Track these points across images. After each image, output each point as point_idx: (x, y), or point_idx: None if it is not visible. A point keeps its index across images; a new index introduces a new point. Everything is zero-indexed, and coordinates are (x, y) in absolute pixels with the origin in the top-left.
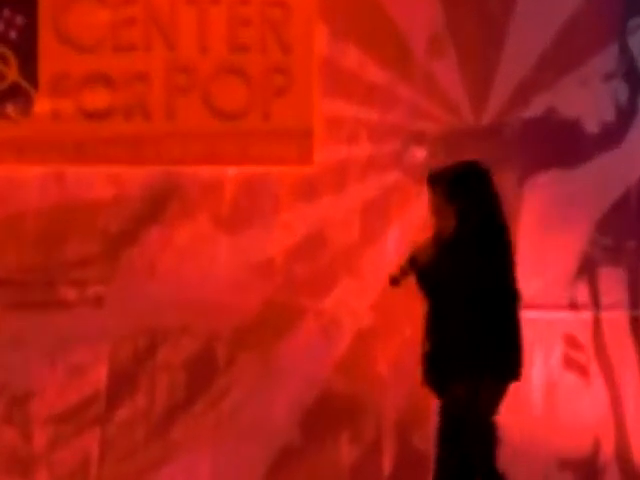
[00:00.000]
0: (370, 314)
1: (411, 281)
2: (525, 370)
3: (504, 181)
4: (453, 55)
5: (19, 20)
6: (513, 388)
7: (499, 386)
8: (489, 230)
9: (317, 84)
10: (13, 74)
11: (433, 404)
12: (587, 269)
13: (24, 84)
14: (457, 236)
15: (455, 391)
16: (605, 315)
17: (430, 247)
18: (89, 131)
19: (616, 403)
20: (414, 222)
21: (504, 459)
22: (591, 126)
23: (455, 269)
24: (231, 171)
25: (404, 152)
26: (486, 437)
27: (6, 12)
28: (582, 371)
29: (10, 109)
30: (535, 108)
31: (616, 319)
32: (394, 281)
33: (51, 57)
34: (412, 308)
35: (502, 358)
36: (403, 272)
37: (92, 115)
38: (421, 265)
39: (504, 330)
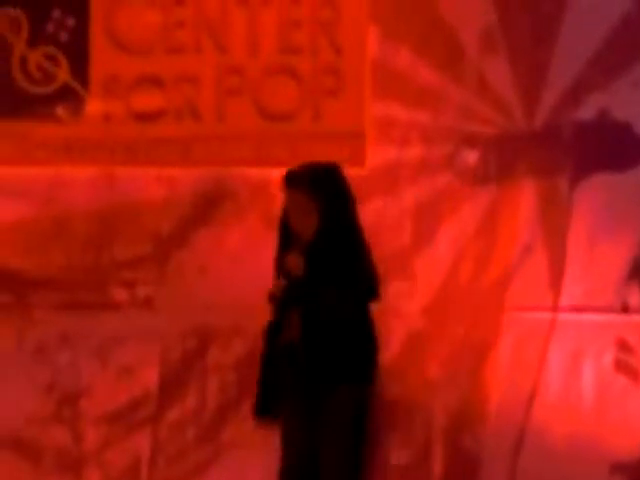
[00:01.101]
0: (421, 317)
1: (466, 282)
2: (576, 372)
3: (556, 184)
4: (505, 55)
5: (70, 21)
6: (565, 391)
7: (358, 388)
8: (348, 228)
9: (368, 85)
10: (64, 75)
11: (484, 406)
12: (638, 272)
13: (75, 85)
14: (318, 237)
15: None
16: None
17: (297, 256)
18: (140, 133)
19: None
20: (466, 225)
21: (557, 463)
22: None
23: (317, 271)
24: (281, 172)
25: (456, 155)
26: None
27: (57, 13)
28: (633, 374)
29: (61, 110)
30: (587, 110)
31: None
32: (273, 299)
33: (102, 59)
34: (462, 311)
35: (359, 362)
36: (278, 288)
37: (143, 117)
38: (293, 276)
39: (360, 332)
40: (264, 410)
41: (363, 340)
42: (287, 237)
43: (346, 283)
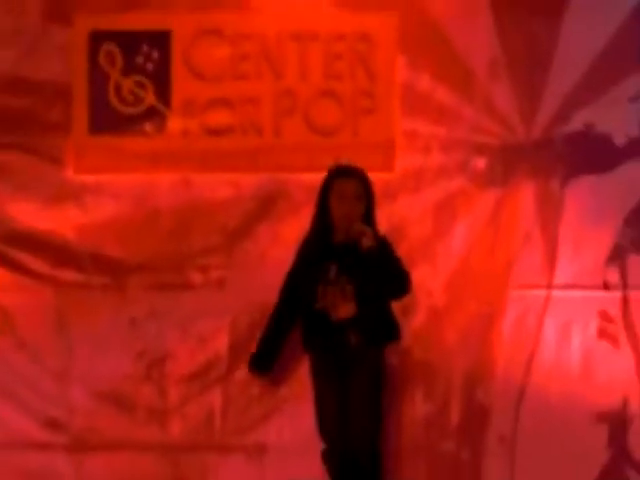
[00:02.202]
0: (442, 294)
1: (478, 266)
2: (567, 339)
3: (550, 185)
4: (507, 80)
5: (155, 54)
6: (556, 355)
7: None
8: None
9: (397, 105)
10: (150, 99)
11: (492, 367)
12: (617, 256)
13: (159, 107)
14: (368, 216)
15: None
16: (632, 294)
17: (366, 226)
18: (212, 145)
19: None
20: (476, 219)
21: (551, 413)
22: (619, 139)
23: (380, 255)
24: None
25: (468, 161)
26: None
27: (145, 47)
28: (613, 340)
29: (147, 127)
30: (575, 124)
31: None
32: (369, 246)
33: (181, 85)
34: (475, 289)
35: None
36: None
37: (215, 132)
38: (365, 246)
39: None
40: (262, 366)
41: (389, 315)
42: (325, 231)
43: (393, 275)
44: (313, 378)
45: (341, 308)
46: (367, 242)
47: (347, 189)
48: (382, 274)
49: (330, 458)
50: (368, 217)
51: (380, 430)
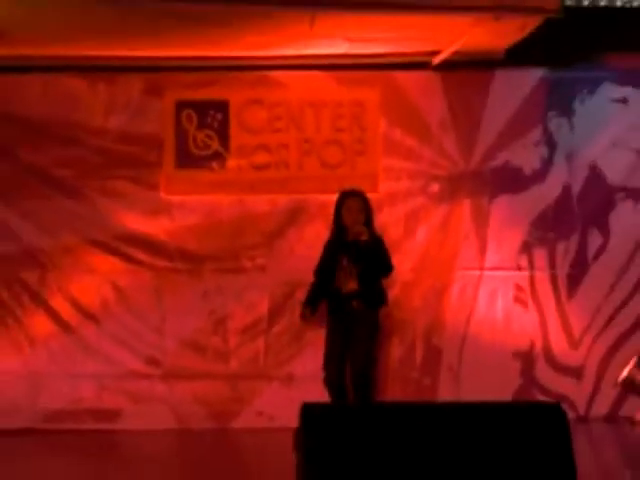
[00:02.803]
0: (410, 274)
1: (434, 255)
2: (493, 303)
3: (481, 202)
4: (453, 132)
5: (219, 116)
6: (486, 312)
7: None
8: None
9: (380, 150)
10: (215, 146)
11: (444, 321)
12: (526, 248)
13: (221, 151)
14: (368, 222)
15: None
16: (537, 274)
17: (363, 226)
18: (256, 176)
19: (542, 321)
20: (433, 224)
21: (483, 352)
22: (527, 171)
23: (373, 246)
24: (333, 197)
25: (426, 187)
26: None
27: (211, 111)
28: (523, 304)
29: (213, 165)
30: (498, 161)
31: (542, 275)
32: (363, 239)
33: (236, 136)
34: (432, 270)
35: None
36: (364, 232)
37: (258, 167)
38: (362, 240)
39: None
40: (309, 311)
41: (380, 288)
42: (339, 233)
43: (382, 261)
44: (327, 331)
45: (349, 285)
46: (363, 237)
47: (353, 205)
48: (375, 260)
49: (326, 383)
50: (368, 223)
51: (373, 364)
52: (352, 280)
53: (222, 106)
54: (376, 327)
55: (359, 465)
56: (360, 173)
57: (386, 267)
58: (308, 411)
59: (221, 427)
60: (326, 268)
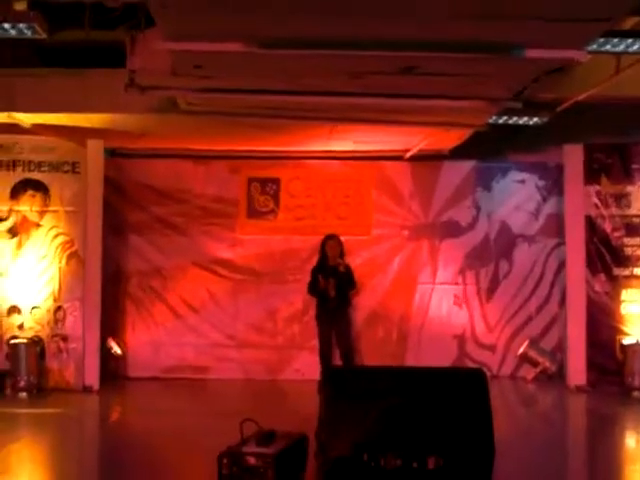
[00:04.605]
0: (389, 286)
1: (404, 276)
2: (440, 305)
3: (434, 243)
4: (417, 199)
5: (274, 187)
6: (436, 310)
7: None
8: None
9: (371, 210)
10: (271, 205)
11: (409, 317)
12: (461, 271)
13: (275, 208)
14: (342, 261)
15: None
16: (468, 287)
17: (332, 281)
18: (296, 225)
19: (471, 316)
20: (404, 256)
21: (435, 338)
22: (464, 224)
23: (346, 272)
24: (343, 238)
25: (400, 232)
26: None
27: (269, 184)
28: (459, 306)
29: (269, 217)
30: (445, 217)
31: (471, 288)
32: (324, 291)
33: (284, 200)
34: (403, 285)
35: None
36: (331, 286)
37: (298, 219)
38: (330, 294)
39: None
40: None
41: (347, 295)
42: (323, 261)
43: (350, 280)
44: (318, 322)
45: (330, 292)
46: (341, 267)
47: (332, 243)
48: (347, 280)
49: (320, 355)
50: (341, 254)
51: (352, 341)
52: (332, 290)
53: (276, 181)
54: (349, 318)
55: (357, 402)
56: (359, 224)
57: (353, 285)
58: (326, 369)
59: (272, 379)
60: (316, 283)
